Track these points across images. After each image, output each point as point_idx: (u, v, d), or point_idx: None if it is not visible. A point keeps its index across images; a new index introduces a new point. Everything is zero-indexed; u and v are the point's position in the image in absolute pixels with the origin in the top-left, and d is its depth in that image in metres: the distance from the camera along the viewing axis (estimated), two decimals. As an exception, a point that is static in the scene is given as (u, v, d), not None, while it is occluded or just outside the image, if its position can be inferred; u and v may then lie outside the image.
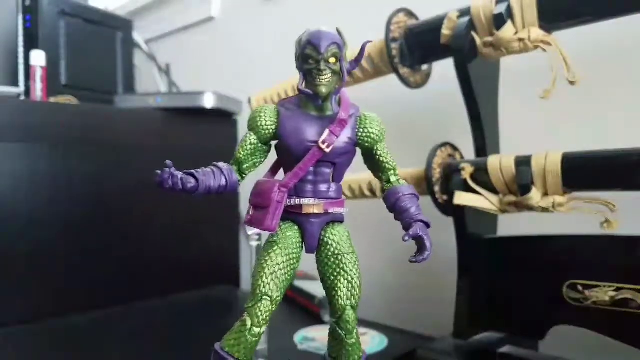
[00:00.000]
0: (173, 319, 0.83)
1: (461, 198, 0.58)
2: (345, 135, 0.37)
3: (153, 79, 1.43)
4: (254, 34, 1.17)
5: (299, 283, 0.84)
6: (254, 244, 0.57)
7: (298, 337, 0.69)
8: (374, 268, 0.83)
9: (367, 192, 0.70)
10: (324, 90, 0.35)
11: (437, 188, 0.63)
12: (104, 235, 0.90)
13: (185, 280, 1.00)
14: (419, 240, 0.35)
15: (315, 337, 0.69)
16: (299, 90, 0.36)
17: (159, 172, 0.32)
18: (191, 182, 0.34)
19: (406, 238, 0.35)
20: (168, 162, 0.33)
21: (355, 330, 0.37)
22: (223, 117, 1.09)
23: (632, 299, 0.48)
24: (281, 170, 0.40)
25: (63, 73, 1.10)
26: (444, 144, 0.65)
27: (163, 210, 0.96)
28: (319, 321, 0.76)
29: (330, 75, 0.35)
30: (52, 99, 0.96)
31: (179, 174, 0.33)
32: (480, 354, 0.58)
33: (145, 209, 0.95)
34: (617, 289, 0.49)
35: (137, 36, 1.34)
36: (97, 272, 0.88)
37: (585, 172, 0.51)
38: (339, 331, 0.37)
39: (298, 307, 0.83)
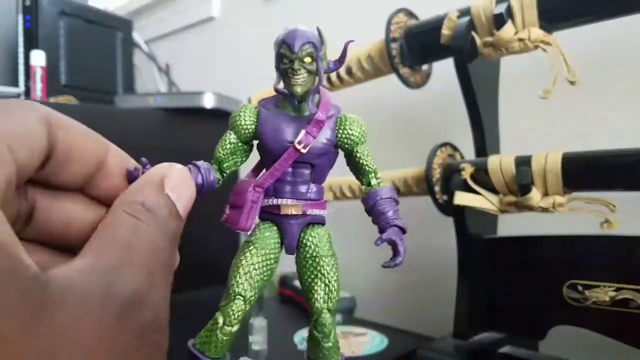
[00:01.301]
0: (173, 319, 0.83)
1: (461, 198, 0.58)
2: (323, 136, 0.36)
3: (153, 79, 1.43)
4: (254, 34, 1.17)
5: (298, 283, 0.84)
6: None
7: (298, 337, 0.69)
8: (373, 268, 0.83)
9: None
10: (298, 90, 0.34)
11: (437, 188, 0.63)
12: (104, 235, 0.90)
13: (185, 281, 0.99)
14: (392, 245, 0.34)
15: (315, 337, 0.69)
16: (275, 89, 0.36)
17: (130, 169, 0.31)
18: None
19: (379, 242, 0.34)
20: (143, 159, 0.32)
21: (332, 334, 0.36)
22: (223, 117, 1.09)
23: (632, 299, 0.48)
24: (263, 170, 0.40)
25: (63, 73, 1.10)
26: (444, 144, 0.65)
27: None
28: (319, 321, 0.76)
29: (305, 75, 0.34)
30: (52, 99, 0.96)
31: None
32: (480, 354, 0.58)
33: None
34: (617, 289, 0.49)
35: (137, 36, 1.34)
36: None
37: (586, 172, 0.51)
38: (316, 334, 0.36)
39: (298, 307, 0.83)
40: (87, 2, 1.24)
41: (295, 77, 0.34)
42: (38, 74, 0.95)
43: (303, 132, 0.35)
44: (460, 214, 0.61)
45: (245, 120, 0.36)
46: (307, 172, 0.37)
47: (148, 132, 0.98)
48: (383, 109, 0.87)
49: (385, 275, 0.88)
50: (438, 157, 0.63)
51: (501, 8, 0.55)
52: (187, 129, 1.03)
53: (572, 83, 0.51)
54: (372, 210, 0.36)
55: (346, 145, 0.37)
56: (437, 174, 0.63)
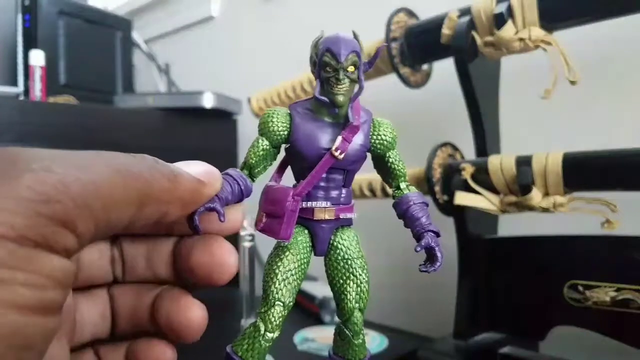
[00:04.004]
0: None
1: (461, 198, 0.58)
2: (357, 142, 0.36)
3: (152, 79, 1.43)
4: (254, 34, 1.17)
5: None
6: (247, 244, 0.57)
7: (298, 337, 0.69)
8: (373, 268, 0.83)
9: (367, 192, 0.70)
10: (341, 99, 0.34)
11: (437, 188, 0.63)
12: (104, 235, 0.90)
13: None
14: (430, 251, 0.35)
15: (315, 337, 0.69)
16: (315, 97, 0.35)
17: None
18: (214, 202, 0.33)
19: (418, 249, 0.35)
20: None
21: (362, 332, 0.38)
22: (223, 117, 1.09)
23: (633, 299, 0.48)
24: (288, 174, 0.40)
25: (62, 73, 1.10)
26: (444, 144, 0.65)
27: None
28: (319, 322, 0.76)
29: (348, 84, 0.34)
30: (51, 99, 0.96)
31: (201, 209, 0.32)
32: (481, 354, 0.58)
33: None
34: (618, 289, 0.49)
35: (137, 36, 1.34)
36: (97, 272, 0.88)
37: (586, 172, 0.51)
38: (347, 332, 0.37)
39: (298, 308, 0.83)
40: (86, 2, 1.24)
41: (339, 86, 0.34)
42: (37, 74, 0.95)
43: (340, 138, 0.35)
44: (460, 214, 0.61)
45: (278, 126, 0.36)
46: (340, 177, 0.37)
47: (148, 132, 0.98)
48: (383, 109, 0.86)
49: (385, 275, 0.88)
50: (438, 157, 0.63)
51: (501, 7, 0.55)
52: (186, 129, 1.03)
53: (572, 83, 0.51)
54: (405, 215, 0.37)
55: (379, 150, 0.38)
56: (437, 174, 0.63)
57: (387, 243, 0.85)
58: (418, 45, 0.66)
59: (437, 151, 0.64)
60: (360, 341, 0.38)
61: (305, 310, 0.80)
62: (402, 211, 0.37)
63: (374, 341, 0.68)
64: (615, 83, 0.65)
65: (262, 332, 0.35)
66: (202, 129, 1.05)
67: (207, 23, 1.32)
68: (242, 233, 0.56)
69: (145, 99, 1.01)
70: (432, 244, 0.35)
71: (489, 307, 0.60)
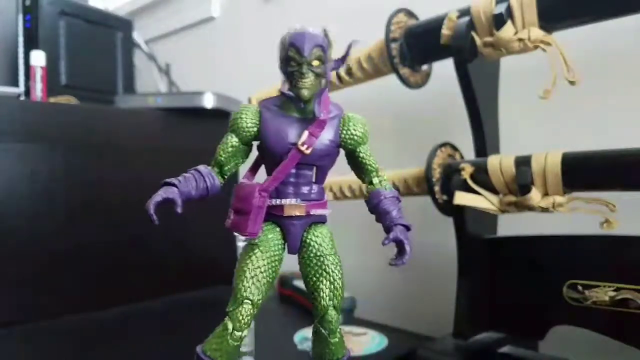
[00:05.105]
0: (173, 319, 0.83)
1: (461, 198, 0.58)
2: (326, 137, 0.36)
3: (153, 79, 1.43)
4: (254, 34, 1.17)
5: (298, 283, 0.84)
6: (241, 244, 0.57)
7: (298, 337, 0.69)
8: (373, 268, 0.83)
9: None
10: (305, 93, 0.34)
11: (437, 188, 0.63)
12: (104, 235, 0.90)
13: (185, 281, 1.00)
14: (398, 244, 0.35)
15: (315, 337, 0.69)
16: (281, 92, 0.36)
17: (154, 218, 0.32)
18: (174, 193, 0.34)
19: (386, 242, 0.35)
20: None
21: (338, 330, 0.37)
22: (223, 117, 1.09)
23: (632, 299, 0.48)
24: (262, 172, 0.40)
25: (63, 73, 1.10)
26: (444, 144, 0.65)
27: (163, 210, 0.96)
28: (319, 321, 0.76)
29: (313, 78, 0.34)
30: (52, 99, 0.96)
31: (158, 198, 0.33)
32: (480, 354, 0.58)
33: (145, 209, 0.95)
34: (617, 289, 0.49)
35: (137, 36, 1.34)
36: (97, 273, 0.88)
37: (585, 172, 0.51)
38: (322, 331, 0.37)
39: (298, 307, 0.83)
40: (87, 2, 1.24)
41: (303, 80, 0.34)
42: (38, 74, 0.95)
43: (306, 133, 0.35)
44: (460, 214, 0.61)
45: (247, 122, 0.36)
46: (310, 173, 0.37)
47: (148, 132, 0.98)
48: (383, 109, 0.87)
49: (385, 275, 0.88)
50: (438, 157, 0.63)
51: (501, 8, 0.55)
52: (187, 129, 1.03)
53: (572, 83, 0.51)
54: (376, 209, 0.37)
55: (349, 146, 0.37)
56: (437, 174, 0.63)
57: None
58: (418, 46, 0.66)
59: (436, 151, 0.64)
60: (337, 340, 0.37)
61: (305, 310, 0.80)
62: (373, 205, 0.37)
63: (374, 341, 0.68)
64: (615, 83, 0.65)
65: (230, 330, 0.34)
66: (202, 129, 1.05)
67: (207, 23, 1.32)
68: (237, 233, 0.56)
69: (146, 99, 1.01)
70: (400, 237, 0.35)
71: (489, 306, 0.60)
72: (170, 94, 1.16)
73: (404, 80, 0.68)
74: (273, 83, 0.85)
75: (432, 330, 0.73)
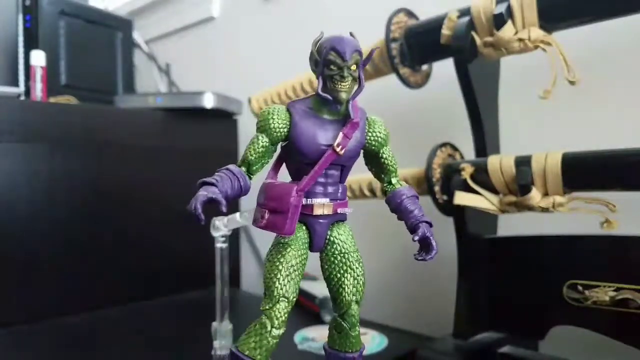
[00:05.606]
0: (173, 318, 0.83)
1: (461, 198, 0.58)
2: (355, 139, 0.37)
3: (153, 79, 1.43)
4: (254, 34, 1.17)
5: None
6: (221, 245, 0.56)
7: (298, 337, 0.69)
8: (373, 268, 0.83)
9: (367, 193, 0.70)
10: (344, 96, 0.36)
11: (437, 188, 0.63)
12: (104, 234, 0.90)
13: (186, 281, 1.00)
14: (425, 241, 0.37)
15: (315, 337, 0.69)
16: (317, 94, 0.36)
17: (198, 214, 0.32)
18: (216, 192, 0.34)
19: (416, 238, 0.36)
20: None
21: (358, 324, 0.39)
22: (223, 117, 1.09)
23: (632, 299, 0.48)
24: (284, 171, 0.40)
25: (63, 73, 1.10)
26: (444, 144, 0.65)
27: (163, 209, 0.96)
28: (319, 321, 0.76)
29: (351, 81, 0.36)
30: (52, 99, 0.96)
31: (204, 198, 0.33)
32: (480, 354, 0.58)
33: (146, 209, 0.95)
34: (617, 289, 0.49)
35: (137, 36, 1.35)
36: (98, 272, 0.88)
37: (585, 172, 0.51)
38: (344, 325, 0.38)
39: (298, 307, 0.83)
40: (87, 2, 1.24)
41: (343, 83, 0.35)
42: (38, 74, 0.95)
43: (341, 134, 0.36)
44: (460, 214, 0.61)
45: (278, 123, 0.37)
46: (337, 173, 0.38)
47: (148, 132, 0.98)
48: (383, 109, 0.86)
49: (385, 275, 0.88)
50: (438, 157, 0.63)
51: (501, 8, 0.55)
52: (187, 129, 1.03)
53: (572, 83, 0.51)
54: (399, 208, 0.38)
55: (373, 147, 0.39)
56: (437, 174, 0.63)
57: (388, 243, 0.85)
58: (418, 46, 0.66)
59: (436, 151, 0.64)
60: (357, 333, 0.39)
61: (306, 310, 0.80)
62: (396, 204, 0.39)
63: (374, 341, 0.68)
64: (615, 83, 0.65)
65: (269, 329, 0.35)
66: (202, 129, 1.05)
67: (207, 23, 1.32)
68: (216, 234, 0.56)
69: (146, 99, 1.01)
70: (428, 234, 0.36)
71: (489, 306, 0.60)
72: (170, 94, 1.16)
73: (404, 80, 0.68)
74: (273, 83, 0.85)
75: (432, 330, 0.73)
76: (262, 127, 0.37)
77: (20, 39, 1.05)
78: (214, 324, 0.56)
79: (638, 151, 0.48)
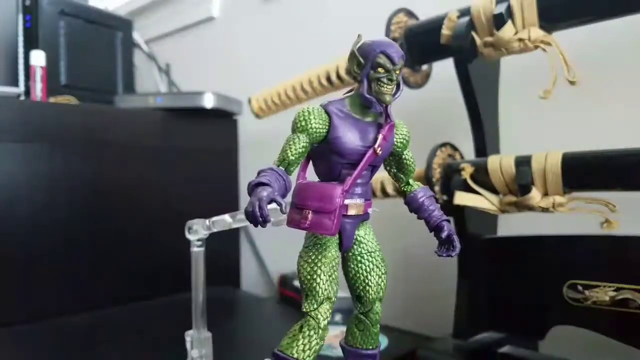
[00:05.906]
0: (174, 319, 0.83)
1: (461, 198, 0.58)
2: (389, 140, 0.38)
3: (153, 79, 1.43)
4: (254, 34, 1.17)
5: (298, 283, 0.84)
6: (197, 249, 0.56)
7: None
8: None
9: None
10: (388, 98, 0.37)
11: (437, 188, 0.63)
12: (104, 234, 0.90)
13: (186, 281, 1.00)
14: (449, 238, 0.38)
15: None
16: (362, 96, 0.37)
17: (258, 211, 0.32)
18: (274, 193, 0.33)
19: (443, 236, 0.38)
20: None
21: (379, 321, 0.40)
22: (223, 117, 1.09)
23: (632, 299, 0.48)
24: (309, 169, 0.40)
25: (63, 73, 1.10)
26: (444, 144, 0.65)
27: (163, 209, 0.96)
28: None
29: (394, 85, 0.37)
30: (52, 99, 0.96)
31: (266, 199, 0.32)
32: (480, 354, 0.58)
33: (146, 209, 0.95)
34: (617, 289, 0.49)
35: (137, 36, 1.35)
36: (98, 272, 0.88)
37: (585, 172, 0.51)
38: (367, 322, 0.39)
39: (298, 307, 0.83)
40: (87, 2, 1.24)
41: (390, 86, 0.36)
42: (38, 74, 0.95)
43: (381, 136, 0.37)
44: (460, 214, 0.61)
45: (318, 124, 0.37)
46: (369, 173, 0.39)
47: (148, 132, 0.98)
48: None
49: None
50: (438, 157, 0.63)
51: (501, 8, 0.55)
52: (187, 129, 1.03)
53: (572, 83, 0.52)
54: (421, 207, 0.40)
55: (398, 148, 0.40)
56: (437, 174, 0.63)
57: (389, 243, 0.85)
58: (418, 46, 0.66)
59: (436, 151, 0.64)
60: (377, 330, 0.40)
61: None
62: (417, 205, 0.40)
63: (374, 341, 0.68)
64: (615, 83, 0.65)
65: (316, 329, 0.36)
66: (202, 129, 1.06)
67: (207, 23, 1.32)
68: (192, 238, 0.55)
69: (146, 99, 1.01)
70: (452, 233, 0.38)
71: (489, 306, 0.60)
72: (170, 94, 1.16)
73: (404, 80, 0.68)
74: (273, 83, 0.85)
75: (432, 330, 0.73)
76: (302, 127, 0.37)
77: (20, 39, 1.05)
78: (190, 333, 0.54)
79: (638, 151, 0.48)
